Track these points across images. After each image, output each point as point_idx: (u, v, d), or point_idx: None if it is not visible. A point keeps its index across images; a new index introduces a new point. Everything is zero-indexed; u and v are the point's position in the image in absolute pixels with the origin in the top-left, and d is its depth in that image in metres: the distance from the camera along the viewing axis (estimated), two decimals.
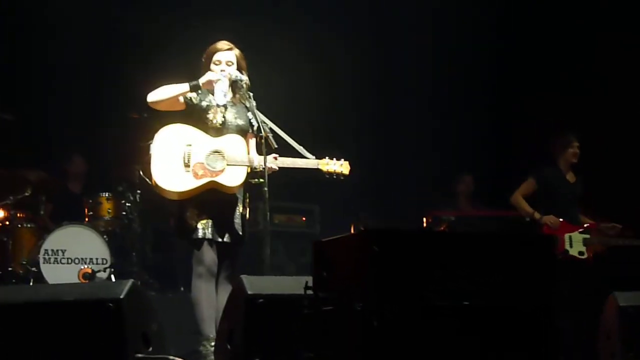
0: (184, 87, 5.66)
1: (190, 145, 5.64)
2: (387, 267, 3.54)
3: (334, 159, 5.92)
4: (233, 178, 5.61)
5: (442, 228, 8.64)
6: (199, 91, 5.74)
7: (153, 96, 5.70)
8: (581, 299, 7.10)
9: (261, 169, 5.57)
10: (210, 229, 5.62)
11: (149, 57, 9.73)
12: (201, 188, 5.59)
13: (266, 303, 4.36)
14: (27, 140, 9.40)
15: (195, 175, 5.59)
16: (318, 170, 5.88)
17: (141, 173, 5.72)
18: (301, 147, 5.79)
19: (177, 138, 5.67)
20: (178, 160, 5.61)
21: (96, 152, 9.73)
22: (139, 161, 8.64)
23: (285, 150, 5.76)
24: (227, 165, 5.62)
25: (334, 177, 5.92)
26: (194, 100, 5.71)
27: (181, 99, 5.70)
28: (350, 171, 5.95)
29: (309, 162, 5.83)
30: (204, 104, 5.73)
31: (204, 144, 5.62)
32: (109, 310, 4.31)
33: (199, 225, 5.61)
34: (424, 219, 8.83)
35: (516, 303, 3.76)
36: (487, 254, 3.78)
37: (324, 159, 5.89)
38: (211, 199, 5.62)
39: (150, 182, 5.67)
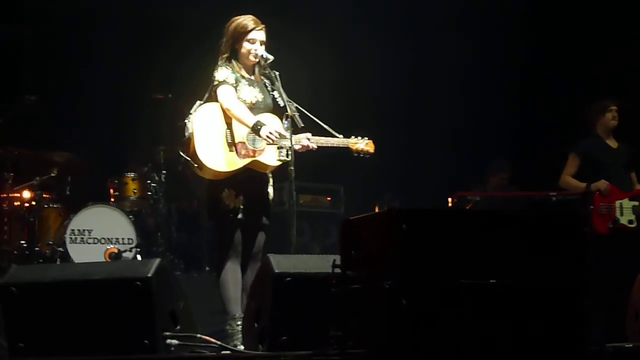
0: (249, 122, 5.57)
1: (229, 124, 5.66)
2: (416, 246, 3.54)
3: (359, 137, 5.95)
4: (274, 156, 5.62)
5: (467, 208, 8.57)
6: (232, 70, 5.72)
7: (232, 109, 5.61)
8: (626, 272, 6.91)
9: (297, 145, 5.67)
10: (243, 209, 5.64)
11: (173, 39, 9.76)
12: (245, 167, 5.61)
13: (293, 282, 4.36)
14: (54, 122, 9.45)
15: (239, 155, 5.61)
16: (348, 149, 5.92)
17: (181, 153, 5.69)
18: (329, 127, 5.79)
19: (216, 118, 5.68)
20: (221, 140, 5.62)
21: (122, 132, 9.77)
22: (164, 142, 8.69)
23: (312, 130, 5.80)
24: (267, 144, 5.63)
25: (361, 155, 5.95)
26: (234, 83, 5.69)
27: (234, 89, 5.67)
28: (375, 149, 5.99)
29: (341, 141, 5.88)
30: (238, 84, 5.73)
31: (267, 127, 5.59)
32: (137, 288, 4.32)
33: (237, 205, 5.63)
34: (449, 199, 8.76)
35: (544, 282, 3.75)
36: (515, 233, 3.77)
37: (351, 138, 5.94)
38: (245, 179, 5.64)
39: (190, 161, 5.64)
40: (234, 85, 5.67)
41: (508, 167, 9.32)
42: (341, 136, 5.88)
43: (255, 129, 5.56)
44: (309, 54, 9.60)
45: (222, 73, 5.69)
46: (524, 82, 9.78)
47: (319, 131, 5.83)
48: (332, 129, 5.84)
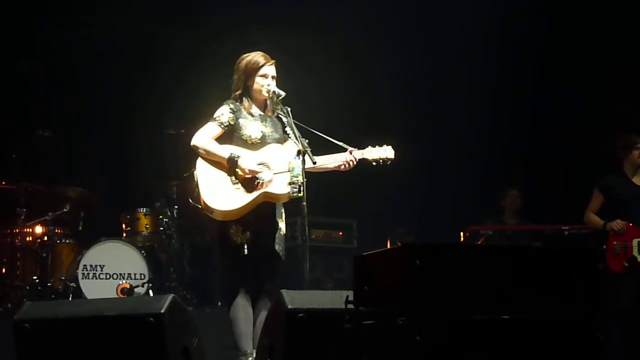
0: (224, 156, 5.59)
1: None
2: (429, 282, 3.52)
3: (377, 146, 5.88)
4: (283, 185, 5.56)
5: (479, 242, 8.57)
6: (234, 108, 5.75)
7: (199, 146, 5.64)
8: None
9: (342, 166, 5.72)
10: (253, 245, 5.62)
11: (187, 74, 9.81)
12: (255, 202, 5.57)
13: (307, 317, 4.35)
14: (67, 157, 9.49)
15: (247, 190, 5.59)
16: (364, 160, 5.84)
17: (190, 201, 5.72)
18: (342, 143, 5.79)
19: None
20: (225, 179, 5.60)
21: (134, 168, 9.80)
22: (176, 177, 8.73)
23: (326, 151, 5.80)
24: (274, 174, 5.61)
25: (381, 163, 5.86)
26: (231, 122, 5.71)
27: (219, 128, 5.70)
28: (396, 155, 5.90)
29: (358, 153, 5.83)
30: (240, 121, 5.73)
31: (247, 159, 5.60)
32: (150, 325, 4.31)
33: (244, 241, 5.60)
34: (462, 234, 8.76)
35: (558, 316, 3.73)
36: (528, 268, 3.75)
37: (367, 148, 5.86)
38: (253, 215, 5.61)
39: (202, 208, 5.64)
40: (225, 124, 5.68)
41: (514, 187, 9.30)
42: (355, 149, 5.84)
43: (233, 161, 5.57)
44: (320, 84, 9.67)
45: (219, 110, 5.75)
46: (539, 114, 9.75)
47: (333, 151, 5.83)
48: (346, 144, 5.83)
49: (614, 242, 7.39)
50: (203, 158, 5.65)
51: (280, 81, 5.85)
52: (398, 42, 10.32)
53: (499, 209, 9.31)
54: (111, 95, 9.88)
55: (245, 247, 5.60)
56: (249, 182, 5.60)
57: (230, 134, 5.73)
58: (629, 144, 7.67)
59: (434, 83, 10.48)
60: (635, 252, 7.34)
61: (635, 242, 7.36)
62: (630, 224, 7.40)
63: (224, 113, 5.71)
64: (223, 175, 5.62)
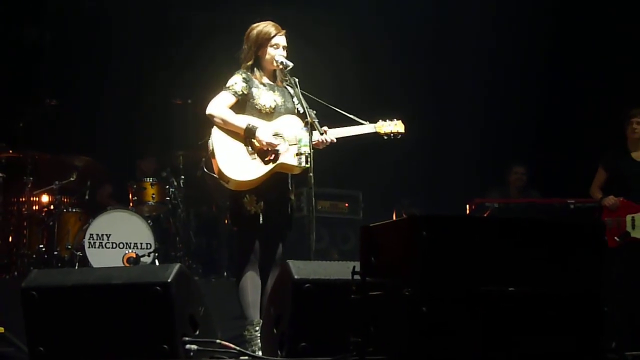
0: (241, 126, 5.56)
1: None
2: (436, 253, 3.53)
3: (387, 120, 5.92)
4: (298, 157, 5.58)
5: (485, 215, 8.55)
6: (246, 78, 5.73)
7: (215, 115, 5.60)
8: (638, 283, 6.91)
9: (325, 142, 5.67)
10: (265, 214, 5.62)
11: (195, 45, 9.79)
12: (271, 172, 5.58)
13: (313, 288, 4.36)
14: (73, 126, 9.50)
15: (263, 161, 5.58)
16: (376, 134, 5.88)
17: (204, 169, 5.71)
18: (353, 116, 5.79)
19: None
20: (242, 149, 5.60)
21: (141, 137, 9.81)
22: (183, 147, 8.74)
23: (337, 124, 5.80)
24: (290, 145, 5.61)
25: (392, 137, 5.92)
26: (244, 91, 5.69)
27: (233, 97, 5.68)
28: (406, 129, 5.95)
29: (364, 127, 5.85)
30: (253, 90, 5.71)
31: (263, 129, 5.59)
32: (157, 293, 4.33)
33: (258, 211, 5.61)
34: (467, 206, 8.75)
35: (564, 289, 3.74)
36: (535, 240, 3.76)
37: (378, 122, 5.90)
38: (266, 185, 5.60)
39: (216, 177, 5.63)
40: (239, 93, 5.65)
41: (522, 162, 9.28)
42: (367, 123, 5.87)
43: (251, 132, 5.56)
44: (331, 48, 9.66)
45: (232, 79, 5.72)
46: (545, 88, 9.73)
47: (345, 124, 5.83)
48: (358, 117, 5.83)
49: (606, 218, 7.41)
50: (219, 127, 5.64)
51: (289, 54, 5.84)
52: (405, 13, 10.28)
53: (505, 182, 9.30)
54: (119, 64, 9.85)
55: (261, 217, 5.61)
56: (265, 153, 5.59)
57: (243, 103, 5.70)
58: (624, 118, 7.67)
59: (441, 55, 10.44)
60: (628, 227, 7.35)
61: (628, 217, 7.38)
62: (625, 200, 7.41)
63: (237, 82, 5.69)
64: (239, 144, 5.60)
